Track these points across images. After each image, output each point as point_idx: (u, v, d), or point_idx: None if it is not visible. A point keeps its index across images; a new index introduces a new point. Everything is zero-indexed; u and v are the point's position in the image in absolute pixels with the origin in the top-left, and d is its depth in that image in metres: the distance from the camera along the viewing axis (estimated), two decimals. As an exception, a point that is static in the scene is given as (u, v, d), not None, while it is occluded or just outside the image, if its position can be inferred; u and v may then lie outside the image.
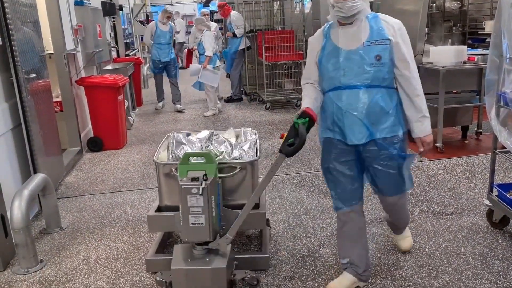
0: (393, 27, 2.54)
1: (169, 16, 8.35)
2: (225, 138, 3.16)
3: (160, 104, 8.66)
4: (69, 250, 3.45)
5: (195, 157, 2.71)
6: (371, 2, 8.76)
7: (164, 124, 7.53)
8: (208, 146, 3.06)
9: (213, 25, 8.94)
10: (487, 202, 3.52)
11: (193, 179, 2.53)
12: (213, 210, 2.59)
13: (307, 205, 4.02)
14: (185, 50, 8.60)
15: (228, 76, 9.16)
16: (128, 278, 3.04)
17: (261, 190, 2.66)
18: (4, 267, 3.20)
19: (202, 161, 2.64)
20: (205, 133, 3.25)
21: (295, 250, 3.28)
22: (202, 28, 7.56)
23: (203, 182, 2.51)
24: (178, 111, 8.32)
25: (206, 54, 7.39)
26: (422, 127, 2.58)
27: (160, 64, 8.22)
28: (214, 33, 8.49)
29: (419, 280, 2.86)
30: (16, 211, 3.09)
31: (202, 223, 2.56)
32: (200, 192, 2.51)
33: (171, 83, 8.40)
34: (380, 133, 2.53)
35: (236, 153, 3.00)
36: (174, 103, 8.42)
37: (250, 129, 3.47)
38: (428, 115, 2.57)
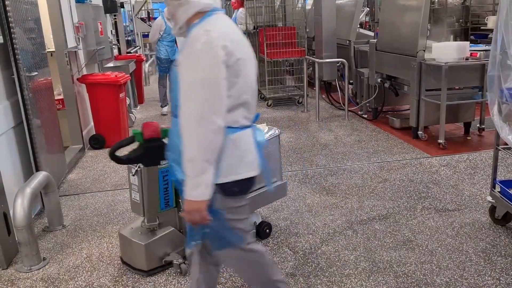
0: (187, 42, 1.83)
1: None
2: None
3: (165, 109, 8.09)
4: (71, 247, 3.46)
5: None
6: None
7: (166, 121, 7.52)
8: None
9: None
10: (489, 198, 3.52)
11: None
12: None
13: (309, 202, 4.02)
14: None
15: None
16: (131, 276, 3.04)
17: (148, 197, 2.87)
18: (7, 265, 3.21)
19: None
20: None
21: (297, 247, 3.28)
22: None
23: (139, 165, 2.87)
24: None
25: None
26: (184, 186, 1.81)
27: (168, 63, 7.86)
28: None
29: (421, 276, 2.86)
30: (19, 209, 3.10)
31: (138, 200, 2.98)
32: (133, 173, 2.91)
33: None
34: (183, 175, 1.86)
35: None
36: None
37: (276, 129, 3.40)
38: (190, 174, 1.77)
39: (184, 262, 2.97)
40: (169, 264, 3.03)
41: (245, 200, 2.00)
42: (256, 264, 2.12)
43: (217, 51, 1.75)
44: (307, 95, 7.75)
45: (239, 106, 1.86)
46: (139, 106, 8.73)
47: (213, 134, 1.75)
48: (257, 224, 3.41)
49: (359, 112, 7.13)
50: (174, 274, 3.00)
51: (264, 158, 2.00)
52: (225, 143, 1.83)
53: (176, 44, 8.22)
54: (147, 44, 13.86)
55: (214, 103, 1.75)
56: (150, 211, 2.95)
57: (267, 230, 3.43)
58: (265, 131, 3.38)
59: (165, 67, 7.96)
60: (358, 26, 8.09)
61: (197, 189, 1.77)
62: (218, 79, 1.75)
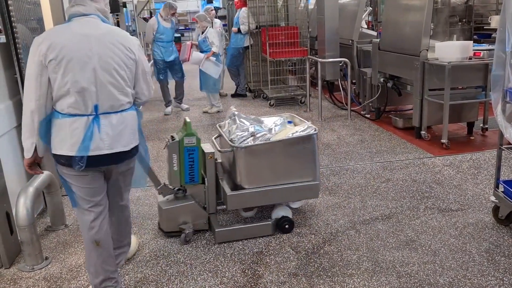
0: None
1: (173, 13, 7.76)
2: (255, 123, 3.69)
3: (169, 109, 7.96)
4: (74, 247, 3.46)
5: None
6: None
7: (168, 121, 7.52)
8: (232, 121, 3.74)
9: (217, 21, 8.89)
10: (493, 198, 3.51)
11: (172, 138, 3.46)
12: (174, 164, 3.39)
13: (312, 201, 4.01)
14: (188, 44, 8.08)
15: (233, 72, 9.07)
16: (133, 275, 3.04)
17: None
18: (10, 264, 3.21)
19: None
20: (277, 118, 3.88)
21: (300, 247, 3.28)
22: (205, 25, 7.51)
23: (169, 141, 3.39)
24: (183, 110, 8.22)
25: (213, 50, 7.29)
26: None
27: (164, 64, 7.66)
28: (218, 29, 8.42)
29: (424, 277, 2.85)
30: (21, 208, 3.10)
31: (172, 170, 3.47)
32: (164, 147, 3.49)
33: (177, 83, 7.99)
34: None
35: (234, 137, 3.41)
36: (178, 103, 8.24)
37: (314, 127, 3.45)
38: (24, 138, 2.41)
39: (187, 234, 3.39)
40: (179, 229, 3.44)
41: (79, 171, 2.43)
42: (83, 229, 2.62)
43: (34, 54, 2.29)
44: (310, 95, 7.74)
45: (64, 96, 2.33)
46: (141, 107, 8.69)
47: (27, 115, 2.34)
48: (279, 218, 3.48)
49: (361, 112, 7.12)
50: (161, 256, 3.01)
51: (88, 145, 2.37)
52: (54, 123, 2.38)
53: (179, 46, 8.12)
54: (150, 44, 13.86)
55: (29, 92, 2.32)
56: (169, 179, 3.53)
57: (287, 226, 3.47)
58: (304, 129, 3.38)
59: (161, 69, 7.67)
60: (366, 25, 8.07)
61: (24, 149, 2.41)
62: (32, 74, 2.30)
